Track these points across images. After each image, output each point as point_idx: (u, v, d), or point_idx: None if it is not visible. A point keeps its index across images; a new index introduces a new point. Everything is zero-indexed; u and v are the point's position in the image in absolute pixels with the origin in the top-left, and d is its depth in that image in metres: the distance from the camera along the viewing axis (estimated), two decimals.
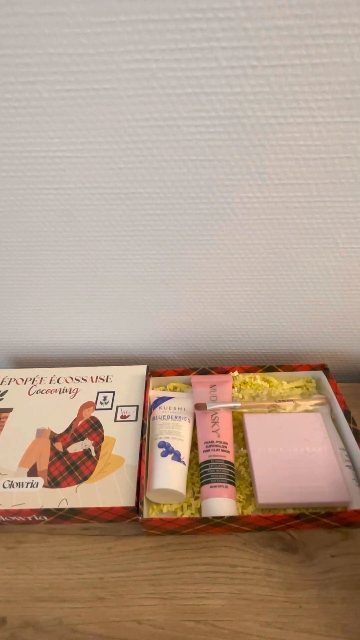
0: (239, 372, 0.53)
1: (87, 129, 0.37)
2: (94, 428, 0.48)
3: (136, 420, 0.49)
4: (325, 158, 0.38)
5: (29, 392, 0.53)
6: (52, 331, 0.58)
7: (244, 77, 0.34)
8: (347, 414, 0.47)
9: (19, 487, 0.43)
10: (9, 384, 0.54)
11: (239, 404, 0.48)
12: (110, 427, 0.48)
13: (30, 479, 0.44)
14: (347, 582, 0.38)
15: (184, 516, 0.42)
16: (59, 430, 0.48)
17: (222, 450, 0.44)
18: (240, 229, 0.44)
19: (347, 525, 0.41)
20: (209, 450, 0.45)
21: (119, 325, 0.57)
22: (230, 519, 0.39)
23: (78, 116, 0.36)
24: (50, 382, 0.54)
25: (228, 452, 0.45)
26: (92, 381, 0.54)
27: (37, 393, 0.53)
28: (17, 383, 0.54)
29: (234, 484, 0.43)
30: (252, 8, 0.31)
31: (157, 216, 0.43)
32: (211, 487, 0.42)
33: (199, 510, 0.43)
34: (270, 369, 0.54)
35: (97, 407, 0.51)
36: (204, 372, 0.54)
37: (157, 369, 0.54)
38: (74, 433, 0.48)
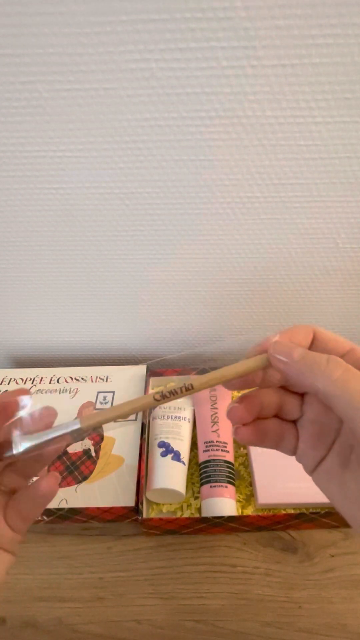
0: None
1: (87, 129, 0.37)
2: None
3: (136, 420, 0.49)
4: (325, 158, 0.38)
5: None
6: (52, 331, 0.58)
7: (244, 77, 0.34)
8: None
9: None
10: (9, 384, 0.54)
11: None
12: (110, 427, 0.48)
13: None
14: (347, 582, 0.38)
15: (183, 516, 0.42)
16: None
17: (222, 450, 0.44)
18: (240, 229, 0.44)
19: (347, 525, 0.41)
20: (208, 450, 0.45)
21: (119, 325, 0.57)
22: (230, 518, 0.39)
23: (78, 116, 0.36)
24: (50, 382, 0.54)
25: (228, 452, 0.45)
26: (92, 381, 0.54)
27: (37, 393, 0.53)
28: (17, 383, 0.54)
29: (233, 484, 0.43)
30: (252, 8, 0.30)
31: (157, 216, 0.43)
32: (211, 487, 0.42)
33: (199, 510, 0.43)
34: None
35: (96, 407, 0.51)
36: (204, 372, 0.53)
37: (157, 369, 0.54)
38: None
